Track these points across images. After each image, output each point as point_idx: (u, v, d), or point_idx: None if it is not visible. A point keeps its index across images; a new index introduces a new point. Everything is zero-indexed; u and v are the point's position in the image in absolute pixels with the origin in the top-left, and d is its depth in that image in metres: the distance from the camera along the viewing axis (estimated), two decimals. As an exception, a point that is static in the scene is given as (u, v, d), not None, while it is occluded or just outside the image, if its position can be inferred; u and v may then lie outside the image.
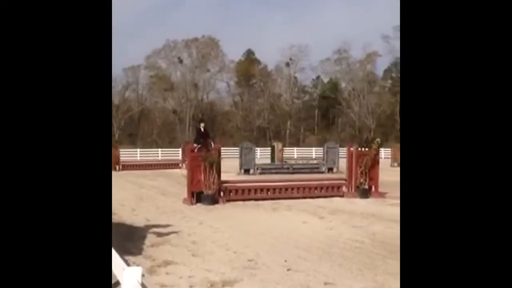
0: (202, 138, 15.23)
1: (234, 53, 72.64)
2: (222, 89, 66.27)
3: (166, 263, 6.57)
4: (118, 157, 27.92)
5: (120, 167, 27.32)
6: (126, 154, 35.91)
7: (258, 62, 66.68)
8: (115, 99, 61.96)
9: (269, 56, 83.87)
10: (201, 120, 17.39)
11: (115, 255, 4.27)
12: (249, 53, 66.82)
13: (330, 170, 24.94)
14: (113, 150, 27.95)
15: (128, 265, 4.06)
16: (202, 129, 15.65)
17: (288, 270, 6.23)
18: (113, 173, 25.07)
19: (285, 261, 6.66)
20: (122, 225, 9.59)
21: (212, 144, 14.87)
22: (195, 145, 14.98)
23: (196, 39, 63.00)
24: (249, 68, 64.84)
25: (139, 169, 27.80)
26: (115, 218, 10.47)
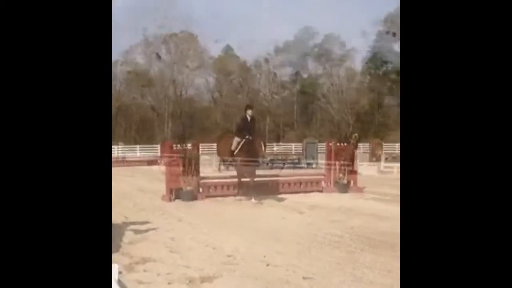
0: (248, 130, 12.06)
1: (213, 48, 72.27)
2: (201, 85, 66.05)
3: (144, 260, 6.49)
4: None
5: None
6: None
7: (237, 57, 66.57)
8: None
9: (248, 52, 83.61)
10: (249, 106, 12.80)
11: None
12: (228, 49, 66.66)
13: (309, 165, 25.04)
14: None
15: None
16: (249, 118, 12.21)
17: (267, 265, 6.21)
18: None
19: (264, 256, 6.65)
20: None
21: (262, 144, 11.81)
22: (236, 139, 12.06)
23: (174, 35, 62.61)
24: (228, 64, 64.68)
25: (117, 166, 27.50)
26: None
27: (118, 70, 62.72)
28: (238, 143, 12.13)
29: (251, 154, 11.84)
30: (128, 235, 8.21)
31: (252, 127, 12.16)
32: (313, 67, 65.21)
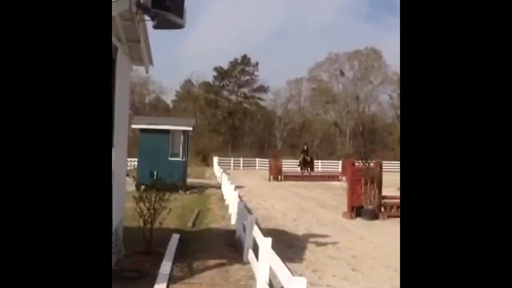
0: (305, 154, 29.44)
1: (398, 64, 70.53)
2: (384, 101, 64.85)
3: (327, 275, 6.73)
4: (280, 167, 28.90)
5: (282, 177, 28.22)
6: (287, 164, 36.97)
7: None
8: (279, 111, 64.37)
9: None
10: (305, 143, 33.26)
11: (279, 263, 4.57)
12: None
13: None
14: (275, 161, 29.09)
15: (292, 274, 4.31)
16: (305, 148, 30.68)
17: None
18: (276, 183, 26.11)
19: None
20: (284, 234, 10.01)
21: (308, 158, 29.34)
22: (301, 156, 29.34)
23: (358, 51, 62.68)
24: (413, 80, 62.43)
25: (300, 180, 28.43)
26: (278, 227, 10.97)
27: (304, 86, 65.01)
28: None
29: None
30: (311, 248, 8.54)
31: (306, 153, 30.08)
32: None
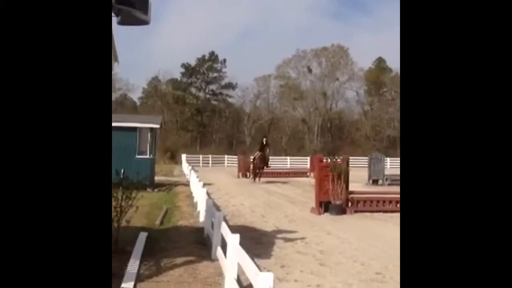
0: (263, 148, 23.88)
1: (364, 61, 71.53)
2: (351, 97, 65.63)
3: (294, 270, 6.79)
4: (248, 164, 28.89)
5: (251, 174, 28.23)
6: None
7: (389, 70, 64.96)
8: (247, 108, 64.43)
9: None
10: (265, 136, 26.85)
11: (247, 259, 4.58)
12: (380, 61, 65.38)
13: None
14: (244, 158, 29.08)
15: (260, 270, 4.33)
16: (264, 142, 24.64)
17: (418, 286, 6.10)
18: (244, 180, 26.11)
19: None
20: (252, 230, 10.04)
21: (268, 155, 23.98)
22: (257, 152, 23.97)
23: (325, 48, 63.21)
24: (379, 76, 63.42)
25: (268, 177, 28.52)
26: (247, 224, 10.99)
27: (272, 83, 65.20)
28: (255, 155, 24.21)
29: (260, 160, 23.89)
30: (279, 244, 8.59)
31: (265, 146, 24.35)
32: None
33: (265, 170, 31.97)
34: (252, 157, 25.35)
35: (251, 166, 25.10)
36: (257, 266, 5.26)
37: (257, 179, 24.02)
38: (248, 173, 28.03)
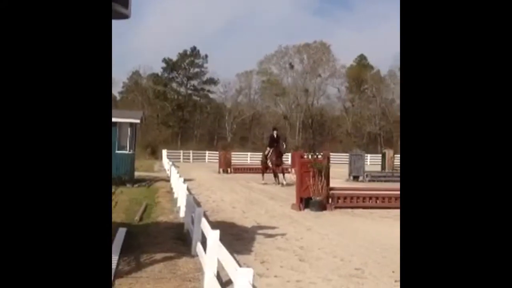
0: (275, 142, 19.56)
1: (346, 58, 71.88)
2: (332, 94, 65.93)
3: (274, 266, 6.79)
4: (230, 160, 28.90)
5: (232, 170, 28.24)
6: (237, 157, 37.02)
7: (371, 67, 65.41)
8: (229, 103, 64.29)
9: (382, 61, 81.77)
10: (274, 128, 21.66)
11: (227, 255, 4.56)
12: (361, 58, 65.79)
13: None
14: (225, 153, 29.04)
15: (239, 265, 4.32)
16: (275, 135, 20.03)
17: (396, 281, 6.15)
18: (225, 175, 26.09)
19: (393, 272, 6.58)
20: (233, 226, 10.02)
21: (284, 146, 19.50)
22: (268, 149, 19.53)
23: (307, 45, 63.34)
24: (361, 73, 63.82)
25: (250, 172, 28.50)
26: (227, 219, 10.97)
27: (254, 79, 65.16)
28: (269, 150, 19.77)
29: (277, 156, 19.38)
30: (259, 240, 8.59)
31: (277, 140, 19.78)
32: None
33: (246, 166, 32.07)
34: (264, 154, 20.42)
35: (266, 166, 20.11)
36: (237, 262, 5.25)
37: (279, 179, 19.50)
38: (229, 169, 28.03)
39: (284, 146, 19.66)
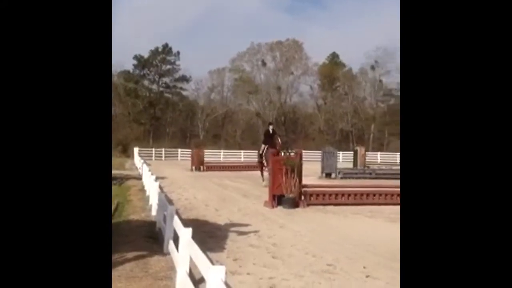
0: (270, 138, 17.66)
1: (318, 56, 72.26)
2: (305, 92, 66.31)
3: (247, 263, 6.79)
4: (202, 157, 28.78)
5: (205, 167, 28.13)
6: (210, 155, 36.91)
7: (343, 64, 66.00)
8: (201, 101, 64.02)
9: (354, 59, 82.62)
10: (270, 123, 19.67)
11: (199, 252, 4.53)
12: (334, 56, 66.30)
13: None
14: (198, 151, 28.91)
15: (212, 263, 4.29)
16: (271, 131, 18.24)
17: (367, 276, 6.23)
18: (198, 173, 25.97)
19: (364, 267, 6.66)
20: (205, 224, 9.98)
21: (279, 140, 16.97)
22: (263, 146, 17.39)
23: (280, 42, 63.51)
24: (333, 71, 64.33)
25: (223, 170, 28.47)
26: (199, 217, 10.92)
27: (227, 76, 65.07)
28: (264, 147, 17.69)
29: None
30: (232, 238, 8.58)
31: (273, 136, 17.69)
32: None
33: (219, 164, 31.94)
34: (259, 152, 18.57)
35: (263, 165, 18.13)
36: (210, 259, 5.22)
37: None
38: (202, 166, 27.91)
39: (279, 141, 17.12)
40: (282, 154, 13.82)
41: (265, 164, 17.08)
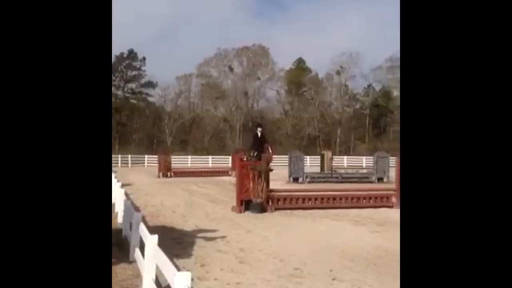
0: (259, 143, 14.93)
1: (284, 61, 72.75)
2: (272, 97, 66.62)
3: (215, 269, 6.77)
4: (169, 163, 28.56)
5: (172, 173, 27.93)
6: (177, 160, 36.67)
7: (309, 70, 66.61)
8: (168, 107, 63.55)
9: (320, 64, 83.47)
10: (259, 125, 16.67)
11: (165, 259, 4.50)
12: (300, 62, 66.86)
13: (380, 180, 24.61)
14: (165, 157, 28.66)
15: (178, 269, 4.27)
16: (259, 134, 15.37)
17: (334, 279, 6.29)
18: (165, 180, 25.74)
19: (331, 270, 6.73)
20: (172, 231, 9.90)
21: (270, 150, 14.34)
22: (251, 152, 14.15)
23: (246, 48, 63.68)
24: (299, 76, 64.86)
25: (190, 176, 28.31)
26: (166, 224, 10.83)
27: (194, 82, 64.76)
28: (251, 153, 14.10)
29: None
30: (199, 244, 8.54)
31: (262, 141, 14.80)
32: (386, 79, 64.08)
33: (187, 170, 31.72)
34: (245, 158, 14.27)
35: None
36: (177, 266, 5.18)
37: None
38: (169, 173, 27.68)
39: (270, 150, 14.50)
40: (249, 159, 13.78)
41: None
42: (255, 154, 14.02)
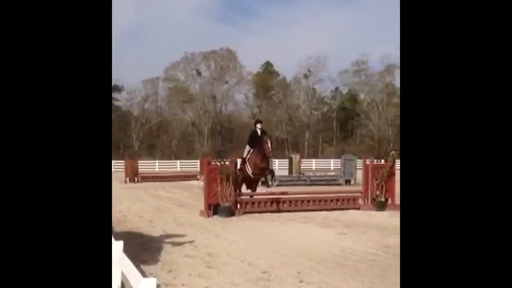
0: (256, 140, 13.72)
1: (252, 65, 72.94)
2: (240, 101, 66.65)
3: (182, 274, 6.71)
4: (137, 168, 28.24)
5: (139, 178, 27.62)
6: (145, 165, 36.28)
7: (277, 73, 66.93)
8: (135, 111, 62.84)
9: (288, 68, 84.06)
10: (259, 122, 14.57)
11: (131, 266, 4.44)
12: (268, 65, 67.12)
13: (347, 182, 24.90)
14: (132, 162, 28.33)
15: (144, 275, 4.22)
16: (259, 132, 13.88)
17: (301, 282, 6.32)
18: (132, 185, 25.44)
19: (298, 273, 6.76)
20: (139, 236, 9.78)
21: (270, 144, 13.26)
22: (248, 148, 13.75)
23: (214, 52, 63.57)
24: (267, 80, 65.11)
25: (158, 181, 28.08)
26: (133, 229, 10.70)
27: (161, 86, 64.23)
28: (248, 151, 13.88)
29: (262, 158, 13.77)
30: (167, 249, 8.47)
31: (261, 138, 13.65)
32: (352, 82, 64.93)
33: (154, 174, 31.39)
34: (243, 157, 14.12)
35: (243, 171, 14.02)
36: (143, 272, 5.13)
37: (268, 180, 14.62)
38: (136, 178, 27.34)
39: (270, 147, 13.43)
40: (217, 163, 13.72)
41: (249, 171, 13.88)
42: (252, 151, 13.70)
